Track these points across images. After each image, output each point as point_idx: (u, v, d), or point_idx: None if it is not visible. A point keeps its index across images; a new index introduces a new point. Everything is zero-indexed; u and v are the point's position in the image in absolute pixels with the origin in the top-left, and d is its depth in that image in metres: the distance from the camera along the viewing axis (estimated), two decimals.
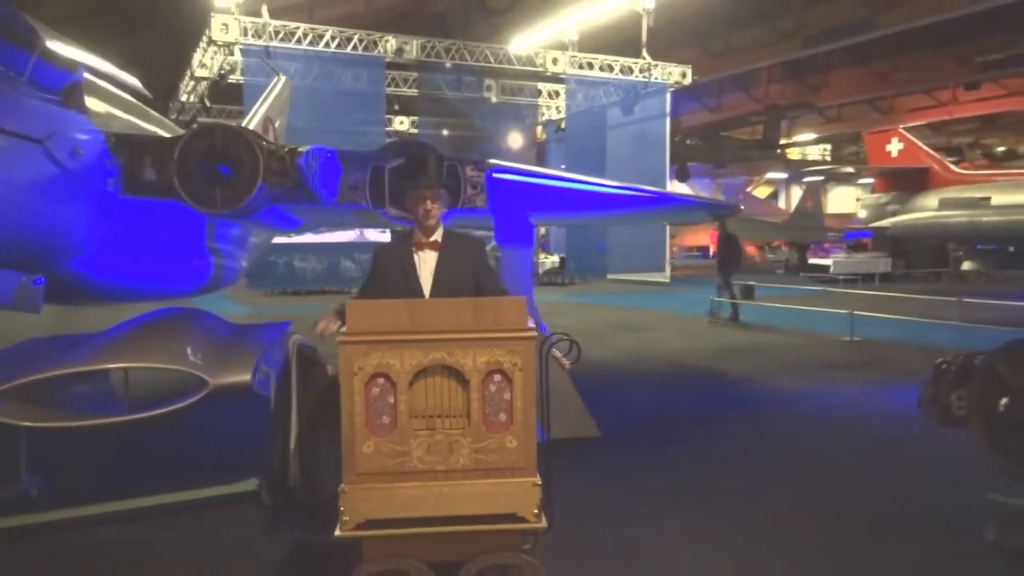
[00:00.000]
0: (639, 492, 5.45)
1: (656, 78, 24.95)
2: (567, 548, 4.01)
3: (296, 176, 6.39)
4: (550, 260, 28.48)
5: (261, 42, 20.19)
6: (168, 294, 7.60)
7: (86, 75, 5.83)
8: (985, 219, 19.66)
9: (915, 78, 31.71)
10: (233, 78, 22.10)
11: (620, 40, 25.60)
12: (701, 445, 6.77)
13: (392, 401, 3.14)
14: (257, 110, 12.71)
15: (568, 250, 27.64)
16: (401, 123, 30.21)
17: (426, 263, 3.86)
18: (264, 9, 20.06)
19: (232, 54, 21.60)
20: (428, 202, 3.91)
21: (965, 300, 13.77)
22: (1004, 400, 3.87)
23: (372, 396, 3.14)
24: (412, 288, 3.79)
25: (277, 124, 13.20)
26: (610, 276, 26.16)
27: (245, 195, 6.07)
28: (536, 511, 3.20)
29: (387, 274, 3.86)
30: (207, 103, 24.97)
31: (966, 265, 18.44)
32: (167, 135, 6.81)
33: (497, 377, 3.19)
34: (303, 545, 4.54)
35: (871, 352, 11.40)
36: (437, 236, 3.92)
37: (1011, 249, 21.71)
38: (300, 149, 6.40)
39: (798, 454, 6.50)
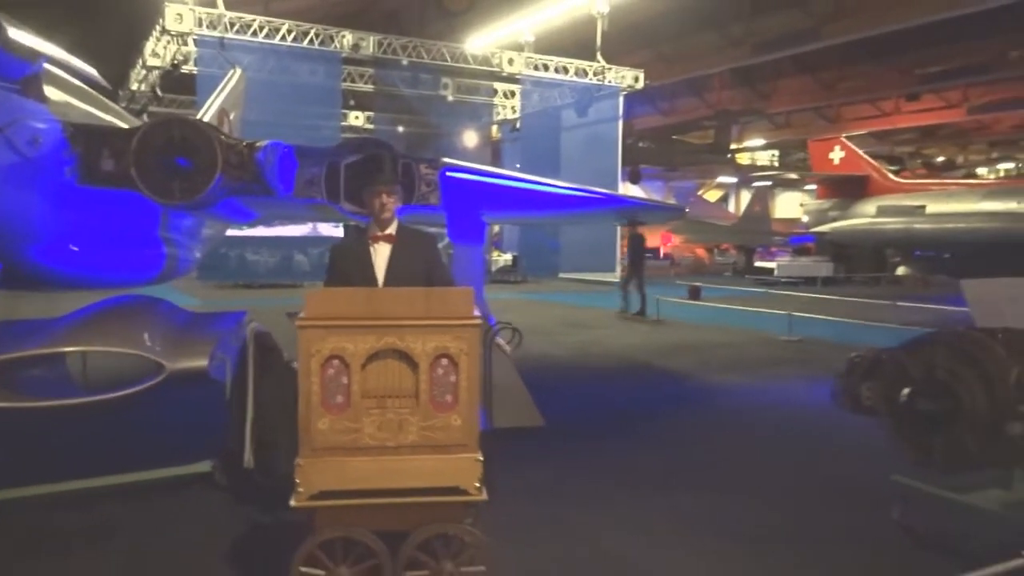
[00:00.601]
0: (575, 476, 5.76)
1: (610, 81, 25.43)
2: (506, 525, 4.29)
3: (254, 170, 6.51)
4: (503, 258, 28.77)
5: (216, 33, 20.11)
6: (122, 283, 7.67)
7: (45, 65, 5.92)
8: (918, 226, 20.52)
9: (859, 88, 32.82)
10: (186, 68, 21.94)
11: (575, 42, 26.01)
12: (638, 434, 7.13)
13: (346, 382, 3.38)
14: (212, 102, 12.73)
15: (521, 249, 27.97)
16: (356, 118, 30.21)
17: (380, 255, 4.11)
18: (219, 0, 19.99)
19: (185, 44, 21.44)
20: (384, 196, 4.15)
21: (898, 304, 14.46)
22: (906, 391, 4.25)
23: (328, 377, 3.38)
24: (367, 277, 4.04)
25: (232, 116, 13.21)
26: (562, 275, 26.55)
27: (202, 187, 6.17)
28: (478, 484, 3.47)
29: (345, 267, 4.10)
30: (159, 92, 24.71)
31: (901, 270, 19.26)
32: (125, 126, 6.91)
33: (444, 361, 3.45)
34: (258, 523, 4.74)
35: (805, 350, 11.93)
36: (391, 230, 4.17)
37: (946, 255, 22.67)
38: (258, 144, 6.54)
39: (727, 442, 6.92)
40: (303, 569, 3.39)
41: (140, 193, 6.06)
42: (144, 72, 23.90)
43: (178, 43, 21.38)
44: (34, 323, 5.68)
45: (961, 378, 4.08)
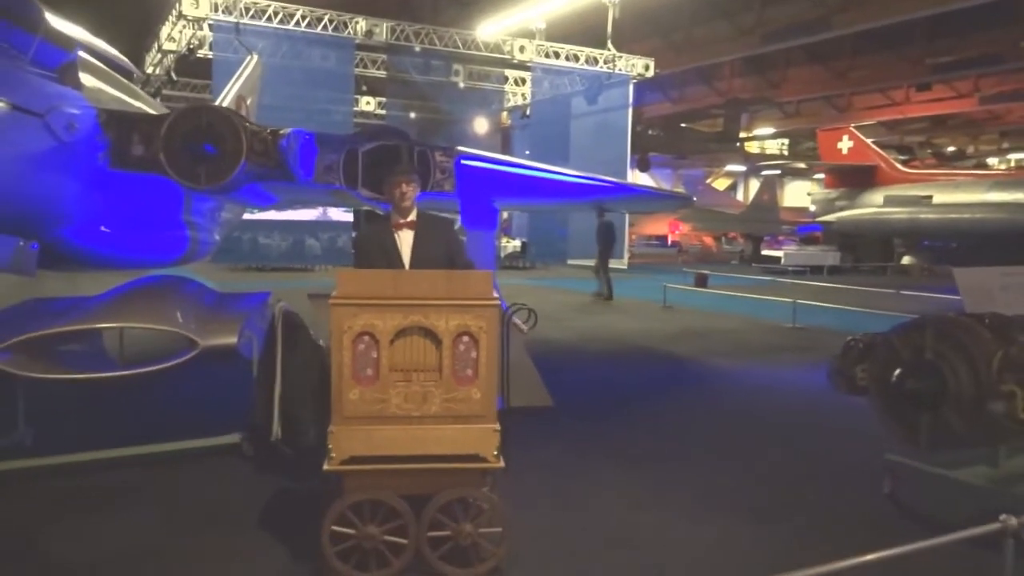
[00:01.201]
0: (582, 452, 6.06)
1: (620, 70, 25.53)
2: (516, 495, 4.58)
3: (277, 156, 6.79)
4: (512, 244, 29.00)
5: (231, 18, 20.32)
6: (148, 264, 7.99)
7: (80, 53, 6.20)
8: (923, 216, 20.67)
9: (870, 77, 32.74)
10: (201, 53, 22.16)
11: (586, 29, 26.10)
12: (641, 415, 7.41)
13: (375, 356, 3.67)
14: (230, 88, 12.99)
15: (530, 235, 28.19)
16: (368, 104, 30.37)
17: (404, 241, 4.39)
18: None
19: (201, 29, 21.66)
20: (403, 186, 4.43)
21: (902, 292, 14.67)
22: (896, 372, 4.52)
23: (358, 351, 3.66)
24: (393, 263, 4.32)
25: (249, 102, 13.49)
26: (570, 262, 26.77)
27: (228, 173, 6.45)
28: (495, 453, 3.76)
29: (372, 253, 4.38)
30: (174, 76, 24.94)
31: (906, 259, 19.47)
32: (154, 112, 7.19)
33: (465, 338, 3.73)
34: (285, 489, 5.06)
35: (808, 337, 12.18)
36: (412, 216, 4.45)
37: (954, 245, 22.80)
38: (282, 132, 6.81)
39: (726, 422, 7.22)
40: (335, 528, 3.69)
41: (168, 177, 6.37)
42: (159, 56, 24.13)
43: (194, 28, 21.59)
44: (70, 300, 5.99)
45: (948, 360, 4.34)
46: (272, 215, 22.39)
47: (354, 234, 25.36)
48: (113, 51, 6.86)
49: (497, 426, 3.77)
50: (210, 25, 20.90)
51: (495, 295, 3.81)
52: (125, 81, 7.54)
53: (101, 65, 6.81)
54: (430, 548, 3.76)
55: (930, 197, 21.40)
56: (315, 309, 5.36)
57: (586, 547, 4.29)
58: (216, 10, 20.10)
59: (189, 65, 23.32)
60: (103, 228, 6.47)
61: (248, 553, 4.13)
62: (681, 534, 4.54)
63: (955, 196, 20.90)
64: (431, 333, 3.70)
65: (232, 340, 5.44)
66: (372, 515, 3.71)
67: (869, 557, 3.21)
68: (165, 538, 4.31)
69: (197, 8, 19.94)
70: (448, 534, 3.78)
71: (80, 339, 5.64)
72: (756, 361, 10.27)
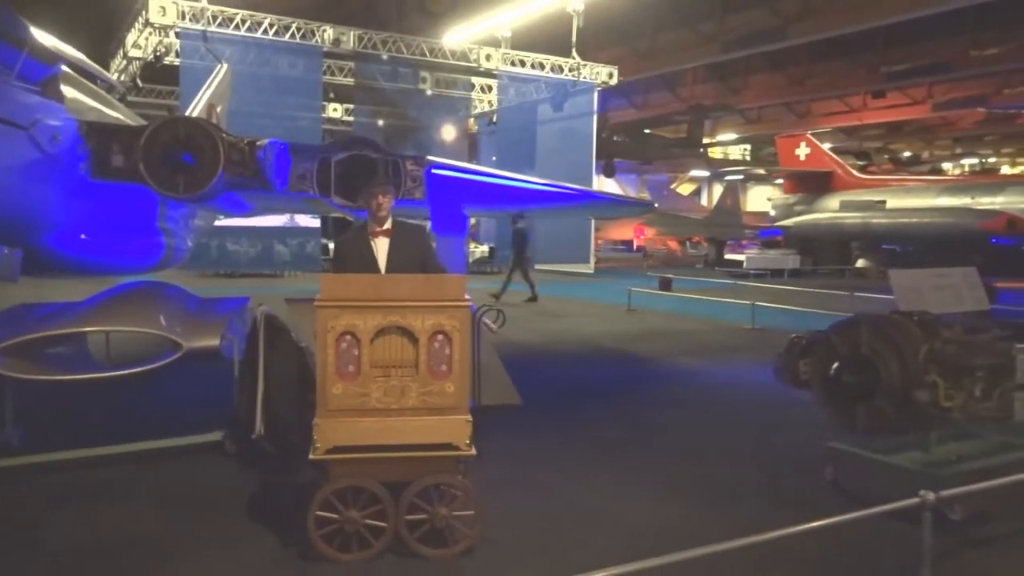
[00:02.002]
0: (549, 444, 6.43)
1: (585, 77, 26.02)
2: (488, 485, 4.91)
3: (254, 166, 7.06)
4: (480, 250, 29.32)
5: (199, 26, 20.44)
6: (126, 270, 8.23)
7: (62, 67, 6.43)
8: (875, 221, 21.42)
9: (827, 84, 33.64)
10: (168, 60, 22.23)
11: (551, 37, 26.56)
12: (605, 410, 7.79)
13: (357, 354, 3.99)
14: (202, 97, 13.19)
15: (497, 240, 28.54)
16: (335, 110, 30.54)
17: (380, 248, 4.72)
18: None
19: (167, 36, 21.73)
20: (380, 197, 4.76)
21: (856, 294, 15.27)
22: (835, 365, 4.93)
23: (341, 349, 3.98)
24: (370, 268, 4.64)
25: (219, 110, 13.69)
26: (537, 266, 27.14)
27: (206, 182, 6.71)
28: (468, 442, 4.10)
29: (350, 258, 4.70)
30: (139, 83, 24.96)
31: (860, 262, 20.17)
32: (133, 123, 7.42)
33: (440, 337, 4.07)
34: (268, 482, 5.34)
35: (765, 338, 12.64)
36: (388, 225, 4.77)
37: (910, 248, 23.58)
38: (259, 142, 7.08)
39: (684, 415, 7.64)
40: (319, 512, 4.00)
41: (148, 187, 6.60)
42: (125, 63, 24.14)
43: (160, 35, 21.67)
44: (57, 305, 6.20)
45: (880, 354, 4.77)
46: (240, 221, 22.43)
47: (324, 240, 25.52)
48: (94, 65, 7.09)
49: (469, 417, 4.10)
50: (177, 33, 20.99)
51: (468, 297, 4.15)
52: (105, 94, 7.77)
53: (82, 79, 7.04)
54: (408, 531, 4.09)
55: (884, 202, 22.17)
56: (294, 313, 5.65)
57: (553, 526, 4.64)
58: (183, 18, 20.21)
59: (156, 72, 23.38)
60: (84, 236, 6.71)
61: (237, 538, 4.41)
62: (642, 514, 4.90)
63: (907, 201, 21.69)
64: (408, 332, 4.02)
65: (215, 342, 5.70)
66: (354, 500, 4.02)
67: (802, 527, 3.61)
68: (159, 526, 4.58)
69: (164, 16, 20.05)
70: (425, 517, 4.10)
71: (67, 342, 5.85)
72: (715, 360, 10.72)
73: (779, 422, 7.21)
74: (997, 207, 18.28)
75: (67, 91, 6.48)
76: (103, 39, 25.06)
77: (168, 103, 26.63)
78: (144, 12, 20.45)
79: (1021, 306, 15.23)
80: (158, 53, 22.12)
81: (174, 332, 5.64)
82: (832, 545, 4.32)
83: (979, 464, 4.97)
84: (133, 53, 22.83)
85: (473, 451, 4.12)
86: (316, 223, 25.34)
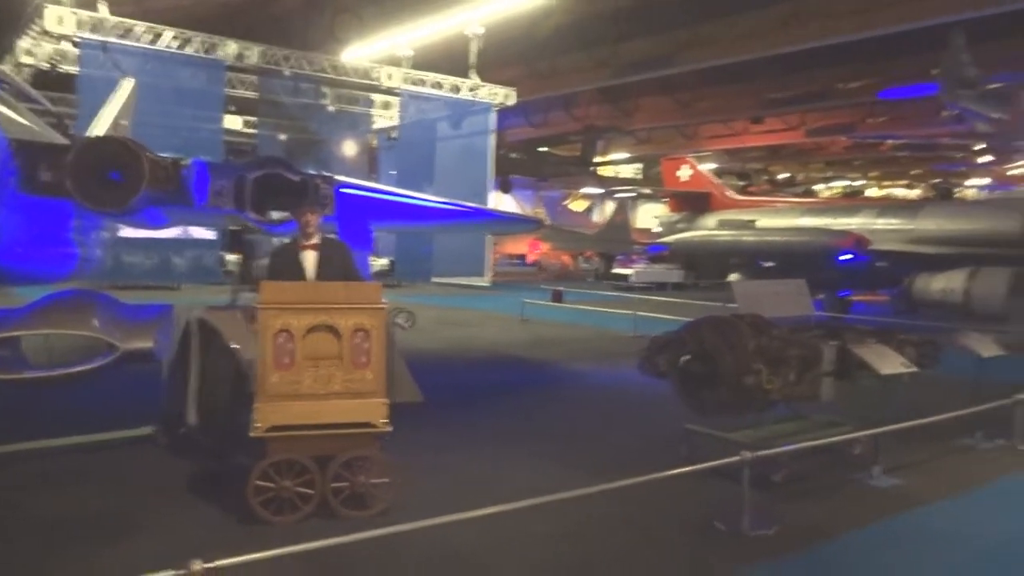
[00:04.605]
0: (448, 433, 7.35)
1: (483, 98, 27.06)
2: (401, 467, 5.75)
3: (177, 183, 7.67)
4: (379, 263, 29.82)
5: (98, 37, 20.35)
6: (42, 279, 8.64)
7: None
8: (744, 238, 23.35)
9: (712, 109, 35.82)
10: (63, 68, 21.94)
11: (451, 55, 27.46)
12: (502, 405, 8.81)
13: (292, 348, 4.78)
14: (108, 112, 13.48)
15: (396, 254, 29.13)
16: (235, 123, 30.47)
17: (309, 260, 5.53)
18: (102, 5, 20.25)
19: (60, 44, 21.43)
20: (309, 215, 5.57)
21: (727, 305, 16.78)
22: (684, 358, 6.03)
23: (278, 344, 4.77)
24: (299, 277, 5.44)
25: (125, 123, 14.01)
26: (435, 279, 27.93)
27: (130, 198, 7.27)
28: (384, 420, 4.94)
29: (282, 268, 5.48)
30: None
31: (732, 277, 21.93)
32: (62, 141, 7.90)
33: (361, 333, 4.91)
34: (204, 467, 6.01)
35: (645, 344, 13.92)
36: (316, 240, 5.58)
37: (781, 264, 25.61)
38: (182, 161, 7.70)
39: (569, 408, 8.82)
40: (258, 482, 4.76)
41: (76, 202, 7.12)
42: (15, 71, 23.60)
43: (55, 42, 21.37)
44: None
45: (719, 348, 5.88)
46: (133, 232, 22.30)
47: (222, 253, 25.46)
48: (24, 85, 7.56)
49: (386, 400, 4.96)
50: (75, 42, 20.80)
51: (384, 300, 5.01)
52: (31, 112, 8.20)
53: (11, 98, 7.50)
54: (333, 496, 4.89)
55: (754, 221, 24.14)
56: (216, 320, 6.35)
57: (450, 491, 5.53)
58: (82, 28, 20.08)
59: (50, 80, 22.97)
60: (10, 246, 7.17)
61: (181, 511, 5.12)
62: (522, 480, 5.86)
63: (774, 221, 23.69)
64: (334, 330, 4.85)
65: (149, 344, 6.32)
66: (288, 471, 4.80)
67: (639, 479, 4.62)
68: (109, 504, 5.26)
69: (62, 25, 19.85)
70: (347, 485, 4.92)
71: (3, 346, 6.33)
72: (599, 363, 11.89)
73: (648, 411, 8.38)
74: (853, 227, 20.34)
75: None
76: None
77: (60, 110, 26.07)
78: (40, 20, 20.18)
79: (871, 315, 17.18)
80: (53, 62, 21.81)
81: (110, 335, 6.23)
82: (678, 499, 5.39)
83: (801, 438, 6.16)
84: (25, 61, 22.38)
85: (390, 428, 4.97)
86: (212, 235, 25.27)
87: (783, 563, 4.69)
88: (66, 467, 5.95)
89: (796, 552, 4.82)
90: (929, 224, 19.36)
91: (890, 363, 6.30)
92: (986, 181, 46.91)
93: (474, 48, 25.39)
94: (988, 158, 40.42)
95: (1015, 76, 20.52)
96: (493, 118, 28.18)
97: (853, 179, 57.07)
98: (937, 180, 50.27)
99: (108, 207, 7.31)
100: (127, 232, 21.06)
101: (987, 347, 8.01)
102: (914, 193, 51.83)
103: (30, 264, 7.78)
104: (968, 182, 49.64)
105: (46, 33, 20.32)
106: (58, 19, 19.64)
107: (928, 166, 47.29)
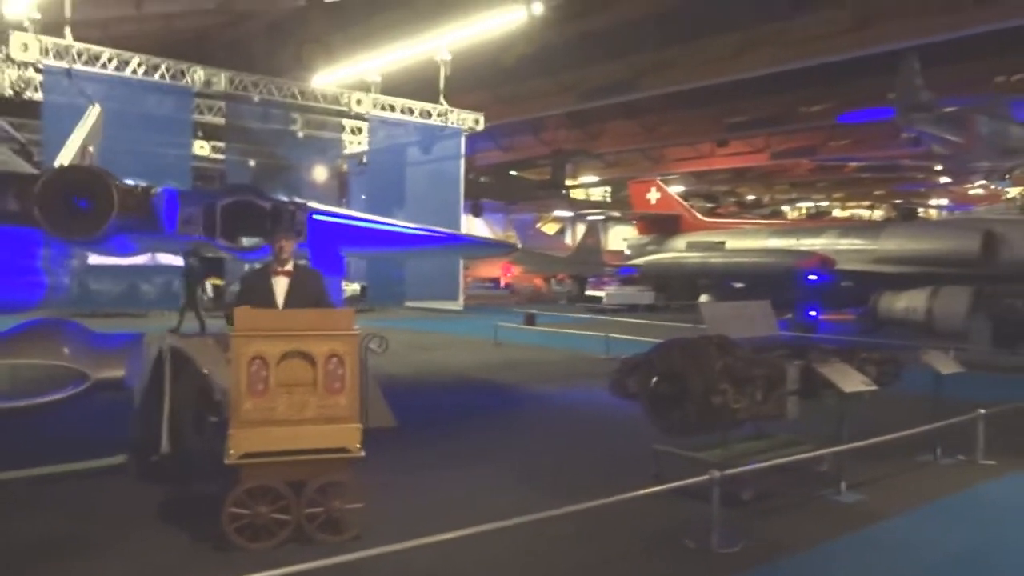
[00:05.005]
0: (421, 454, 7.38)
1: (452, 123, 27.26)
2: (377, 487, 5.79)
3: (146, 210, 7.67)
4: (351, 288, 29.75)
5: (63, 63, 20.25)
6: (10, 308, 8.58)
7: None
8: (712, 260, 23.73)
9: (677, 132, 36.43)
10: (28, 95, 21.76)
11: (420, 80, 27.65)
12: (474, 427, 8.89)
13: (265, 375, 4.82)
14: (75, 140, 13.42)
15: (369, 279, 29.07)
16: (202, 148, 30.33)
17: (280, 285, 5.57)
18: (67, 31, 20.16)
19: (26, 70, 21.28)
20: (283, 242, 5.62)
21: (698, 326, 16.99)
22: (654, 379, 6.14)
23: (252, 371, 4.80)
24: (270, 303, 5.47)
25: (91, 150, 13.95)
26: (408, 304, 27.91)
27: (99, 226, 7.28)
28: (358, 446, 4.99)
29: (253, 294, 5.51)
30: None
31: (702, 298, 22.21)
32: (31, 170, 7.89)
33: (334, 359, 4.96)
34: (176, 494, 5.99)
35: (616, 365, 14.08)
36: (289, 267, 5.63)
37: (748, 285, 25.97)
38: (152, 189, 7.71)
39: (540, 428, 8.95)
40: (233, 509, 4.77)
41: (43, 230, 7.12)
42: None
43: (20, 69, 21.21)
44: None
45: (687, 369, 6.01)
46: (101, 260, 22.08)
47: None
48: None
49: (359, 425, 5.00)
50: (40, 69, 20.66)
51: (357, 327, 5.07)
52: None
53: None
54: (308, 521, 4.91)
55: (723, 243, 24.53)
56: (188, 348, 6.37)
57: (422, 513, 5.56)
58: (47, 54, 19.97)
59: (14, 106, 22.76)
60: None
61: (156, 536, 5.11)
62: (492, 501, 5.92)
63: (742, 242, 24.11)
64: (308, 356, 4.90)
65: (120, 373, 6.31)
66: (263, 497, 4.82)
67: (609, 500, 4.71)
68: (81, 529, 5.26)
69: (26, 52, 19.72)
70: (322, 510, 4.94)
71: None
72: (570, 385, 12.00)
73: (618, 432, 8.48)
74: (817, 248, 20.77)
75: None
76: None
77: (25, 137, 25.81)
78: (4, 47, 20.04)
79: (837, 334, 17.48)
80: (17, 88, 21.62)
81: (81, 363, 6.21)
82: (648, 519, 5.48)
83: (766, 456, 6.30)
84: None
85: (363, 453, 5.02)
86: (179, 261, 25.06)
87: None
88: (37, 496, 5.92)
89: (764, 566, 4.93)
90: (891, 244, 19.86)
91: (852, 381, 6.46)
92: (946, 201, 48.10)
93: (443, 74, 25.59)
94: (948, 179, 41.42)
95: (968, 100, 21.17)
96: (463, 143, 28.38)
97: (817, 200, 58.14)
98: (898, 200, 51.36)
99: (77, 236, 7.32)
100: (95, 259, 20.95)
101: (947, 365, 8.21)
102: (877, 214, 52.87)
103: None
104: (930, 202, 50.85)
105: (10, 60, 20.15)
106: (22, 46, 19.51)
107: (890, 187, 48.31)
